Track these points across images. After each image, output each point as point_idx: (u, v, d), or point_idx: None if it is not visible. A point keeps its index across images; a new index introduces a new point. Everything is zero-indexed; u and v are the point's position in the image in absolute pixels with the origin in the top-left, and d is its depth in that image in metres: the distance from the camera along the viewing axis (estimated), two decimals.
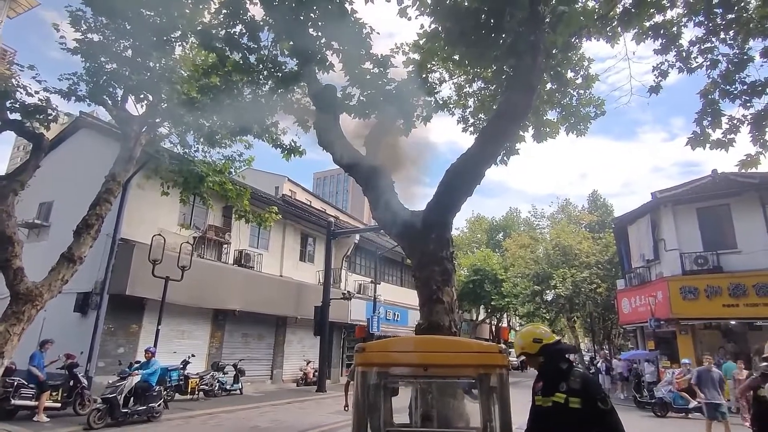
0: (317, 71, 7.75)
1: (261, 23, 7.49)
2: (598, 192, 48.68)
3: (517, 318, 47.71)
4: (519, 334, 3.17)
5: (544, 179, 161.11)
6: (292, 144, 9.00)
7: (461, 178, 6.71)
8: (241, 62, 7.95)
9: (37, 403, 10.20)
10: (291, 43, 7.50)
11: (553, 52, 8.10)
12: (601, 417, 2.78)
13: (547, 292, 32.08)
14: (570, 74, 9.26)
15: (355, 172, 7.20)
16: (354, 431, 2.96)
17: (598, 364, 23.67)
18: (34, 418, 10.04)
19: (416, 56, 8.10)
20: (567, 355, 3.07)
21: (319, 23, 7.24)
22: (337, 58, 7.55)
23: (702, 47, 8.00)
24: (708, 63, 7.99)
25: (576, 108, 8.98)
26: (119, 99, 11.67)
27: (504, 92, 7.94)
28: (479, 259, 34.59)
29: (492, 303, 33.64)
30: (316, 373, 19.66)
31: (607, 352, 30.56)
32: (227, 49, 7.76)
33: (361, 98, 8.10)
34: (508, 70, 8.14)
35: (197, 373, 14.84)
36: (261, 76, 8.32)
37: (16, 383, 10.07)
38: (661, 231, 18.96)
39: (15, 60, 15.77)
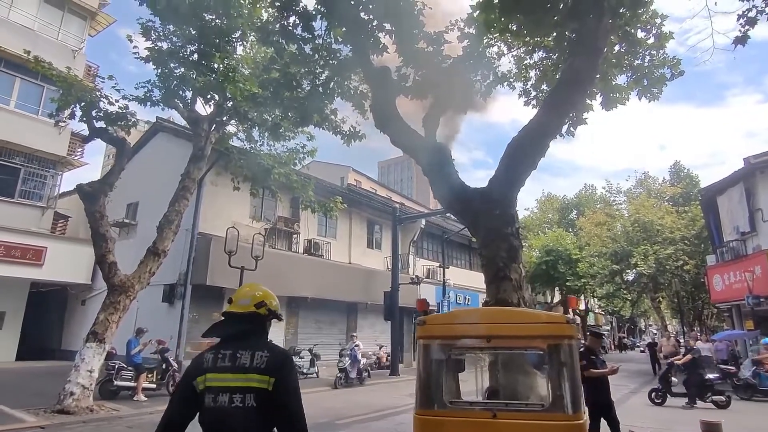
0: (371, 55, 7.72)
1: (314, 12, 7.58)
2: (681, 163, 45.15)
3: (596, 300, 45.55)
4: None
5: (619, 155, 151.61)
6: (352, 129, 9.09)
7: (524, 151, 6.45)
8: (297, 53, 8.10)
9: (135, 384, 11.21)
10: (344, 29, 7.53)
11: (621, 11, 7.51)
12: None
13: (628, 271, 30.33)
14: (641, 34, 8.57)
15: (414, 153, 7.14)
16: (417, 406, 2.96)
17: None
18: (134, 398, 11.04)
19: (471, 30, 7.83)
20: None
21: (370, 6, 7.20)
22: (390, 40, 7.48)
23: None
24: None
25: (649, 69, 8.29)
26: (189, 101, 12.35)
27: (567, 58, 7.49)
28: (551, 239, 33.23)
29: (567, 284, 32.26)
30: (389, 357, 19.96)
31: (697, 332, 28.41)
32: (283, 41, 7.94)
33: (417, 78, 7.98)
34: (571, 35, 7.66)
35: None
36: (317, 66, 8.44)
37: (117, 366, 11.12)
38: (758, 200, 17.20)
39: (97, 74, 17.23)
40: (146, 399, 11.08)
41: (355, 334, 16.18)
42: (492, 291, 5.90)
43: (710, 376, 12.42)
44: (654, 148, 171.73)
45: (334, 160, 44.47)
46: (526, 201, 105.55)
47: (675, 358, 13.56)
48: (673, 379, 12.68)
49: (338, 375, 14.72)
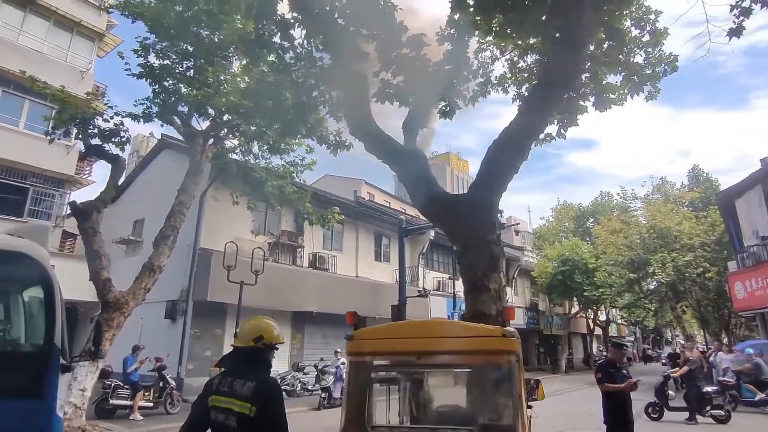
0: (352, 63, 7.53)
1: (291, 20, 7.44)
2: (700, 167, 43.79)
3: (617, 310, 44.17)
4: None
5: (641, 162, 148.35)
6: (337, 139, 8.93)
7: (505, 154, 6.13)
8: (278, 62, 7.96)
9: (132, 402, 11.07)
10: (321, 36, 7.38)
11: (604, 8, 7.21)
12: None
13: (648, 280, 29.28)
14: (635, 31, 8.23)
15: (390, 160, 6.88)
16: (340, 430, 2.67)
17: (711, 358, 21.00)
18: (130, 417, 10.89)
19: (453, 31, 7.60)
20: None
21: (346, 11, 7.04)
22: (369, 45, 7.28)
23: None
24: None
25: (641, 66, 7.92)
26: (185, 116, 12.38)
27: (549, 56, 7.20)
28: (567, 248, 32.33)
29: (584, 294, 31.24)
30: None
31: (720, 342, 27.14)
32: (262, 50, 7.82)
33: (400, 84, 7.76)
34: (555, 34, 7.36)
35: (279, 374, 15.30)
36: (299, 75, 8.28)
37: (113, 385, 11.01)
38: None
39: (105, 92, 17.56)
40: (142, 418, 10.93)
41: (339, 350, 15.46)
42: (470, 302, 5.57)
43: (708, 389, 11.81)
44: (676, 154, 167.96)
45: (350, 174, 44.29)
46: (542, 210, 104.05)
47: (672, 370, 12.91)
48: (669, 392, 12.07)
49: (321, 395, 13.80)
